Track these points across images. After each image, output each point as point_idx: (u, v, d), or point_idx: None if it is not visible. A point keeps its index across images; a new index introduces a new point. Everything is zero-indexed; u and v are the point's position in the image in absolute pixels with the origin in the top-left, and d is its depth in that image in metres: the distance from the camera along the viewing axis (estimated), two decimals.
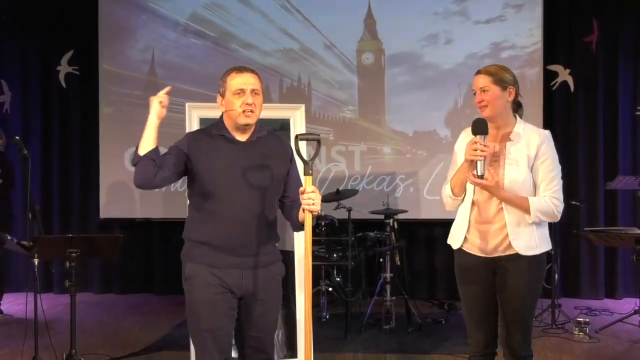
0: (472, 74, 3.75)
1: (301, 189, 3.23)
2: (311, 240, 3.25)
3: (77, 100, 8.52)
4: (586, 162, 7.97)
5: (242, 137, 3.49)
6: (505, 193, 3.52)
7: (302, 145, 3.39)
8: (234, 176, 3.41)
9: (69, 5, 8.39)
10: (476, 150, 3.46)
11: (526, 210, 3.52)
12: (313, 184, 3.25)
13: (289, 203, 3.54)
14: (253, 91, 3.41)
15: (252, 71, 3.48)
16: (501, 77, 3.59)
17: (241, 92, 3.40)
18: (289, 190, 3.55)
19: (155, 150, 3.39)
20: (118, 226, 8.18)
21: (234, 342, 3.61)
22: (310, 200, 3.19)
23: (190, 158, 3.44)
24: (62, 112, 8.53)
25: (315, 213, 3.24)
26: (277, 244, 3.63)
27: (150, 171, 3.36)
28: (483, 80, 3.59)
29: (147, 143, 3.39)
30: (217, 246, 3.41)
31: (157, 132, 3.43)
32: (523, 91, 3.76)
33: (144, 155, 3.36)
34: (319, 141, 3.31)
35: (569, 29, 8.02)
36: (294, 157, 3.58)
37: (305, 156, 3.32)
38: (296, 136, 3.32)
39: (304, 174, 3.22)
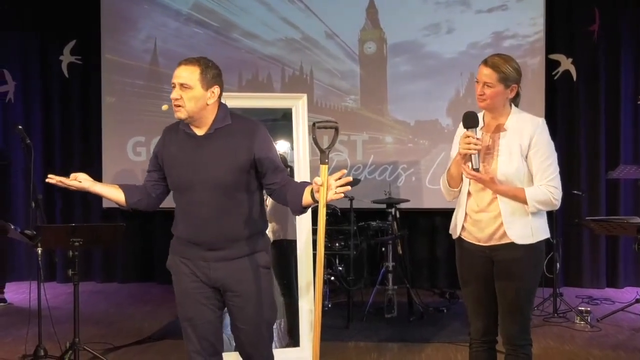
0: (474, 63, 3.73)
1: (316, 179, 3.09)
2: (324, 231, 3.11)
3: (80, 89, 8.54)
4: (588, 152, 7.95)
5: (199, 131, 3.40)
6: (500, 186, 3.50)
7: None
8: (191, 172, 3.35)
9: None
10: (469, 144, 3.46)
11: (523, 201, 3.50)
12: (313, 173, 3.17)
13: (274, 188, 3.42)
14: (182, 85, 3.28)
15: (191, 62, 3.33)
16: (507, 75, 3.52)
17: (172, 86, 3.33)
18: (270, 177, 3.40)
19: (128, 193, 3.54)
20: (120, 215, 8.18)
21: (230, 331, 3.60)
22: (332, 191, 3.06)
23: (159, 157, 3.48)
24: (65, 101, 8.55)
25: (330, 200, 3.12)
26: (259, 235, 3.49)
27: (151, 203, 3.57)
28: (488, 75, 3.52)
29: (116, 197, 3.52)
30: (185, 240, 3.42)
31: (102, 188, 3.54)
32: (525, 80, 3.73)
33: (129, 204, 3.54)
34: (337, 129, 3.23)
35: (571, 18, 8.00)
36: (264, 143, 3.41)
37: (322, 145, 3.16)
38: (313, 124, 3.21)
39: (321, 163, 3.10)
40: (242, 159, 3.35)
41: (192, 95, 3.29)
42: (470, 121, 3.53)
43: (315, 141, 3.19)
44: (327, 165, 3.10)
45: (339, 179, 3.09)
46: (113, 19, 8.31)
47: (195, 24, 8.22)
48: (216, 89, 3.36)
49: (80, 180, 3.40)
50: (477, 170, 3.46)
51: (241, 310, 3.42)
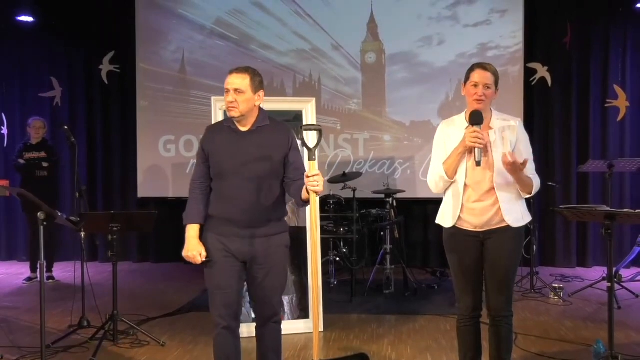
0: (462, 71, 3.71)
1: (306, 172, 3.22)
2: (317, 217, 3.23)
3: (117, 94, 8.56)
4: (561, 149, 7.93)
5: (243, 128, 3.51)
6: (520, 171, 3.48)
7: (309, 134, 3.38)
8: (233, 161, 3.45)
9: (110, 12, 8.41)
10: (476, 138, 3.44)
11: (530, 185, 3.52)
12: (320, 168, 3.24)
13: (288, 182, 3.52)
14: (236, 90, 3.41)
15: (242, 71, 3.45)
16: (498, 78, 3.60)
17: (227, 91, 3.45)
18: (287, 172, 3.51)
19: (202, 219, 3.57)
20: (153, 204, 8.21)
21: (249, 302, 3.65)
22: (315, 182, 3.19)
23: (205, 150, 3.56)
24: (105, 105, 8.58)
25: (319, 193, 3.26)
26: (283, 218, 3.60)
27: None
28: (489, 78, 3.53)
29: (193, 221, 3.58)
30: (222, 219, 3.49)
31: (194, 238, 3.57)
32: (506, 86, 3.73)
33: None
34: (320, 131, 3.34)
35: (546, 31, 7.97)
36: (293, 144, 3.55)
37: (309, 144, 3.28)
38: (300, 127, 3.35)
39: (309, 160, 3.22)
40: (277, 154, 3.48)
41: (245, 98, 3.42)
42: (477, 118, 3.50)
43: (302, 141, 3.31)
44: (314, 162, 3.21)
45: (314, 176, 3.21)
46: (146, 33, 8.32)
47: (218, 37, 8.22)
48: (261, 93, 3.51)
49: (203, 257, 3.52)
50: (479, 162, 3.46)
51: (264, 281, 3.51)
